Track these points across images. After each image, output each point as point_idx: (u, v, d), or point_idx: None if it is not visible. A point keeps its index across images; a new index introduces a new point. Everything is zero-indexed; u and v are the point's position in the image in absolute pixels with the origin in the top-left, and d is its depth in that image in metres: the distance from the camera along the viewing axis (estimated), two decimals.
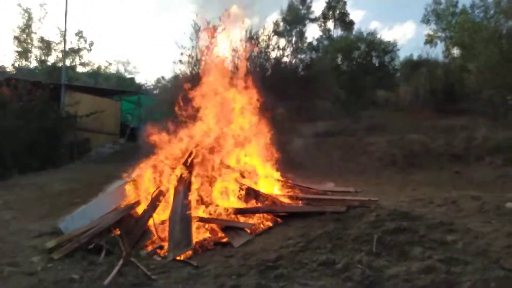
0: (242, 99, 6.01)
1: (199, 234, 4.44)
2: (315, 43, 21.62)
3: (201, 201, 4.95)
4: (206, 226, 4.60)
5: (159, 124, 5.77)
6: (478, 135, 10.47)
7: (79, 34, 24.80)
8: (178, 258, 3.82)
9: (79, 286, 3.23)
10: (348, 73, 17.69)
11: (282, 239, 3.94)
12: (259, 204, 4.94)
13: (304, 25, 19.91)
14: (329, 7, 24.81)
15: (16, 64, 22.86)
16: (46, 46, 23.21)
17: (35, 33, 23.27)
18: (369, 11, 47.76)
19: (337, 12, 24.86)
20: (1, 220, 5.58)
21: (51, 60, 23.25)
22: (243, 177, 5.38)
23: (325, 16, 24.72)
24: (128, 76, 32.97)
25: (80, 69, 26.37)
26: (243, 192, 5.03)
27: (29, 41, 23.24)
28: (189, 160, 5.30)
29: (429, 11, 19.05)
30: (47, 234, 4.76)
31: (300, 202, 5.24)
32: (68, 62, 23.08)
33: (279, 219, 4.66)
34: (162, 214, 4.85)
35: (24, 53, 23.24)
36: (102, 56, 49.11)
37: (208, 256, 3.85)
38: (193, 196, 4.87)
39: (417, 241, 3.53)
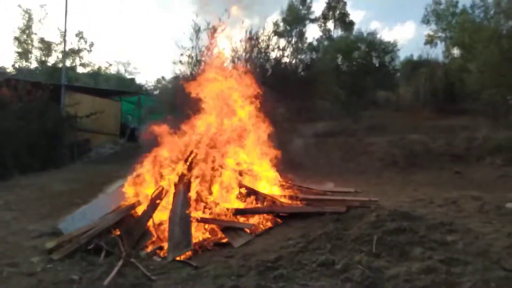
0: (242, 99, 6.00)
1: (199, 234, 4.43)
2: (315, 43, 21.66)
3: (200, 201, 4.95)
4: (206, 226, 4.58)
5: (159, 124, 5.76)
6: (479, 135, 10.48)
7: (79, 35, 24.95)
8: (177, 258, 3.81)
9: (79, 287, 3.22)
10: (348, 73, 17.71)
11: (282, 240, 3.94)
12: (259, 205, 4.93)
13: (304, 25, 20.00)
14: (329, 7, 24.87)
15: (17, 65, 22.95)
16: (46, 47, 23.25)
17: (36, 34, 23.35)
18: (369, 11, 47.89)
19: (337, 12, 24.92)
20: (1, 221, 5.56)
21: (51, 61, 23.36)
22: (243, 177, 5.37)
23: (325, 17, 24.78)
24: (128, 76, 33.11)
25: (80, 69, 26.51)
26: (243, 193, 5.03)
27: (29, 42, 23.27)
28: (189, 160, 5.29)
29: (429, 11, 19.13)
30: (47, 234, 4.74)
31: (300, 202, 5.23)
32: (68, 63, 23.16)
33: (279, 220, 4.66)
34: (161, 214, 4.84)
35: (24, 54, 23.26)
36: (102, 56, 49.33)
37: (208, 256, 3.84)
38: (192, 197, 4.86)
39: (417, 241, 3.52)
